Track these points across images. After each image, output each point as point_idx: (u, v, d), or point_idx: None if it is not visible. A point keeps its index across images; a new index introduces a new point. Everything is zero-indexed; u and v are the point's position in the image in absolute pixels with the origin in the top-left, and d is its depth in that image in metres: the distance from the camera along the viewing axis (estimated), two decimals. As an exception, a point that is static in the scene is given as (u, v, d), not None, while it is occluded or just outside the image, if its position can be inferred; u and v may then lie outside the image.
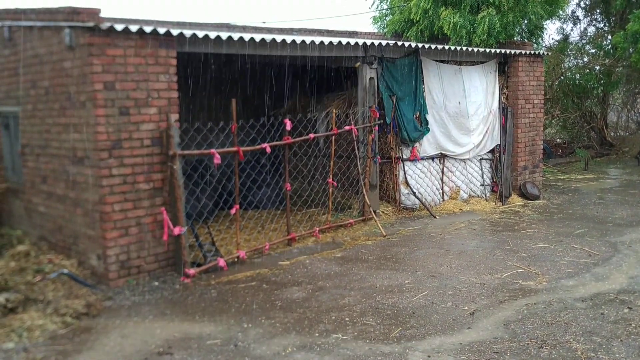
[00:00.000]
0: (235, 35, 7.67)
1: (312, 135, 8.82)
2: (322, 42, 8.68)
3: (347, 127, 9.45)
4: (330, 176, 9.42)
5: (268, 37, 8.07)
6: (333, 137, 9.47)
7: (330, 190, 9.50)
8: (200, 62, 10.31)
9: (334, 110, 9.56)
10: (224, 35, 7.49)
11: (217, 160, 7.24)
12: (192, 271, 7.00)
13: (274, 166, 9.37)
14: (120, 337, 5.42)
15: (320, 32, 12.30)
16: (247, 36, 7.80)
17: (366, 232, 9.38)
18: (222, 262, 7.36)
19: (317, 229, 9.02)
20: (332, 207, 9.68)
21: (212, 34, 7.32)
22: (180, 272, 7.07)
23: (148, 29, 6.75)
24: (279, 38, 8.12)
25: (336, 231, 9.34)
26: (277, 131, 8.72)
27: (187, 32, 7.06)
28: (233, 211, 7.74)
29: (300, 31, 12.04)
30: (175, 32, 6.97)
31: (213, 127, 7.87)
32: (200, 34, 7.16)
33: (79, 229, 7.14)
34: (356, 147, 9.75)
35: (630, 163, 18.15)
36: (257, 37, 7.92)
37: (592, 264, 7.66)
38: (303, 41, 8.40)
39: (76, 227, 7.20)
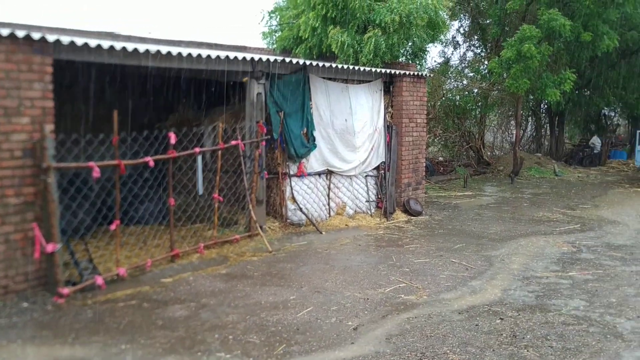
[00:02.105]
0: (118, 45, 7.40)
1: (197, 150, 8.65)
2: (209, 56, 8.56)
3: (233, 142, 9.35)
4: (216, 191, 9.26)
5: (153, 47, 7.84)
6: (219, 152, 9.33)
7: (216, 205, 9.34)
8: (81, 71, 9.86)
9: (221, 125, 9.43)
10: (106, 44, 7.19)
11: (96, 173, 6.90)
12: (65, 290, 6.61)
13: (158, 180, 9.08)
14: (-18, 364, 5.01)
15: (209, 45, 12.15)
16: (130, 46, 7.54)
17: (252, 248, 9.29)
18: (99, 280, 7.01)
19: (202, 245, 8.82)
20: (217, 223, 9.51)
21: (93, 42, 7.01)
22: (53, 291, 6.66)
23: (21, 33, 6.36)
24: (164, 49, 7.91)
25: (222, 247, 9.18)
26: (162, 144, 8.47)
27: (65, 39, 6.72)
28: (113, 227, 7.40)
29: (188, 43, 11.83)
30: (51, 37, 6.61)
31: (92, 139, 7.51)
32: (80, 41, 6.84)
33: (-61, 247, 6.57)
34: (243, 162, 9.66)
35: (504, 181, 19.22)
36: (142, 47, 7.68)
37: (469, 277, 7.98)
38: (189, 54, 8.24)
39: None
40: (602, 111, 28.20)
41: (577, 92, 23.86)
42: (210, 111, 11.74)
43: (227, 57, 8.85)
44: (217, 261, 8.58)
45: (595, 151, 26.18)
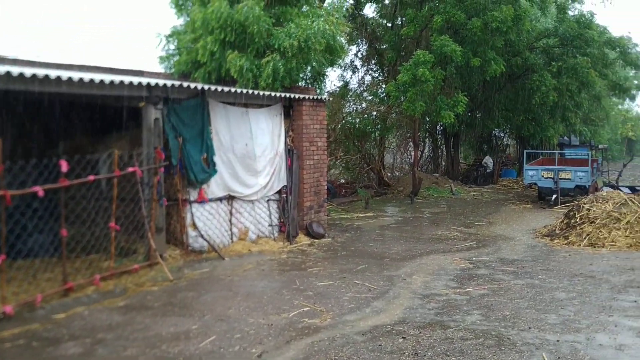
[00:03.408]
0: (1, 69, 7.01)
1: (91, 178, 8.32)
2: (102, 81, 8.27)
3: (130, 169, 9.06)
4: (113, 220, 8.92)
5: (41, 72, 7.49)
6: (115, 179, 9.00)
7: (113, 234, 8.98)
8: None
9: (117, 151, 9.12)
10: (-12, 68, 6.81)
11: (-22, 205, 6.48)
12: (-55, 333, 6.12)
13: (49, 210, 8.61)
14: None
15: (103, 70, 11.74)
16: (15, 70, 7.17)
17: (152, 278, 8.99)
18: (-16, 320, 6.55)
19: (98, 276, 8.44)
20: (114, 253, 9.13)
21: (-27, 66, 6.61)
22: None
23: None
24: (53, 74, 7.58)
25: (120, 278, 8.82)
26: (52, 173, 8.07)
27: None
28: (-1, 262, 6.96)
29: (81, 67, 11.39)
30: None
31: (-26, 168, 7.04)
32: (-41, 65, 6.43)
33: None
34: (141, 190, 9.36)
35: (405, 201, 19.72)
36: (28, 71, 7.32)
37: (372, 298, 8.08)
38: (81, 79, 7.94)
39: None
40: (493, 132, 29.63)
41: (469, 114, 24.96)
42: (106, 137, 11.34)
43: (122, 81, 8.59)
44: (115, 293, 8.24)
45: (488, 170, 27.42)
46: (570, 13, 23.69)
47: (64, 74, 7.77)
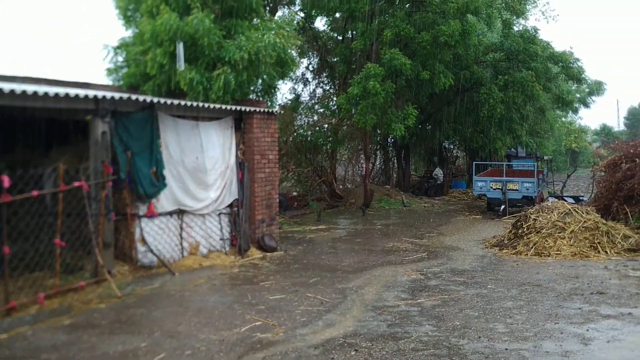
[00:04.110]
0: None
1: (35, 193, 8.08)
2: (46, 93, 8.06)
3: (77, 183, 8.85)
4: (58, 236, 8.67)
5: (-19, 84, 7.27)
6: (61, 194, 8.77)
7: (58, 251, 8.73)
8: None
9: (62, 166, 8.89)
10: None
11: None
12: None
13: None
14: None
15: (48, 82, 11.46)
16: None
17: (99, 295, 8.77)
18: None
19: (43, 294, 8.18)
20: (60, 270, 8.87)
21: None
22: None
23: None
24: (-5, 86, 7.36)
25: (65, 296, 8.57)
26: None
27: None
28: None
29: (24, 79, 11.09)
30: None
31: None
32: None
33: None
34: (87, 205, 9.14)
35: (356, 214, 19.80)
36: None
37: (325, 311, 8.06)
38: (24, 91, 7.72)
39: None
40: (443, 144, 30.07)
41: (420, 126, 25.29)
42: (51, 151, 11.06)
43: (67, 94, 8.39)
44: (60, 311, 8.00)
45: (438, 182, 27.80)
46: (515, 28, 24.31)
47: (5, 87, 7.55)
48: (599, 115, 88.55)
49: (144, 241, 10.30)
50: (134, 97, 9.75)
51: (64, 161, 9.92)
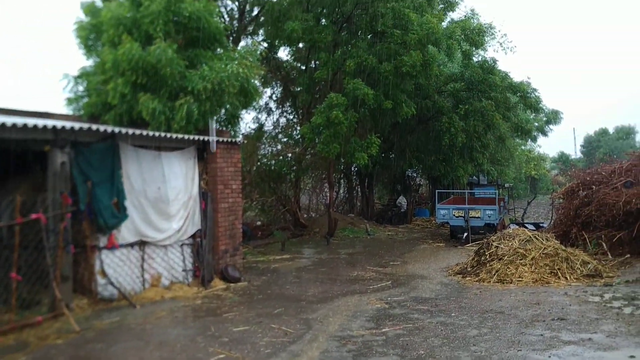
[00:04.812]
0: None
1: (-9, 225, 7.88)
2: (4, 124, 7.92)
3: (34, 216, 8.65)
4: (14, 270, 8.44)
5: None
6: (17, 227, 8.56)
7: (14, 285, 8.49)
8: None
9: (19, 197, 8.70)
10: None
11: None
12: None
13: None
14: None
15: (5, 112, 11.26)
16: None
17: (57, 330, 8.52)
18: None
19: (-3, 331, 7.94)
20: (16, 305, 8.62)
21: None
22: None
23: None
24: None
25: (21, 332, 8.31)
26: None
27: None
28: None
29: (-20, 110, 10.88)
30: None
31: None
32: None
33: None
34: (45, 237, 8.93)
35: (321, 242, 19.76)
36: None
37: (289, 342, 7.98)
38: (-20, 121, 7.57)
39: None
40: (406, 172, 30.36)
41: (383, 155, 25.52)
42: (8, 182, 10.80)
43: (25, 125, 8.25)
44: (15, 348, 7.74)
45: (402, 210, 27.98)
46: (475, 59, 24.85)
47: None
48: (556, 143, 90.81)
49: (104, 273, 10.09)
50: (94, 127, 9.65)
51: (22, 192, 9.70)
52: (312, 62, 22.04)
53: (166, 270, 11.39)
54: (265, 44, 21.73)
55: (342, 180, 29.90)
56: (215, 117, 13.33)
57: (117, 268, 10.31)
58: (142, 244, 10.87)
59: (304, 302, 10.60)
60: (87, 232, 9.87)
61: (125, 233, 10.44)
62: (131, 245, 10.64)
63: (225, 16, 20.64)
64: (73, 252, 9.57)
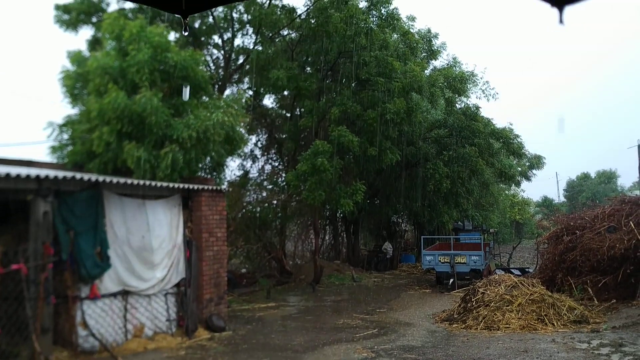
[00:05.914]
0: None
1: (-30, 276, 7.73)
2: (-14, 173, 7.87)
3: (14, 266, 8.52)
4: (-7, 322, 8.27)
5: None
6: (-2, 277, 8.42)
7: (-7, 338, 8.31)
8: None
9: (0, 247, 8.58)
10: None
11: None
12: None
13: None
14: None
15: (-13, 161, 11.21)
16: None
17: (36, 384, 8.31)
18: None
19: (-26, 386, 7.72)
20: (-6, 358, 8.44)
21: None
22: None
23: None
24: None
25: (-1, 386, 8.10)
26: None
27: None
28: None
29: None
30: None
31: None
32: None
33: None
34: (26, 288, 8.78)
35: (307, 290, 19.58)
36: None
37: (274, 394, 7.81)
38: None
39: None
40: (392, 218, 30.37)
41: (368, 201, 25.56)
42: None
43: (8, 174, 8.20)
44: (-8, 404, 7.53)
45: (388, 256, 27.86)
46: (458, 106, 25.23)
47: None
48: (540, 187, 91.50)
49: (85, 325, 9.89)
50: (78, 175, 9.61)
51: (3, 242, 9.57)
52: (297, 109, 22.26)
53: (149, 320, 11.20)
54: (251, 92, 21.93)
55: (327, 227, 29.82)
56: (200, 165, 13.37)
57: (98, 319, 10.13)
58: (125, 293, 10.70)
59: (289, 352, 10.44)
60: (69, 282, 9.72)
61: (107, 283, 10.29)
62: (114, 295, 10.48)
63: (211, 64, 20.87)
64: (54, 302, 9.40)
